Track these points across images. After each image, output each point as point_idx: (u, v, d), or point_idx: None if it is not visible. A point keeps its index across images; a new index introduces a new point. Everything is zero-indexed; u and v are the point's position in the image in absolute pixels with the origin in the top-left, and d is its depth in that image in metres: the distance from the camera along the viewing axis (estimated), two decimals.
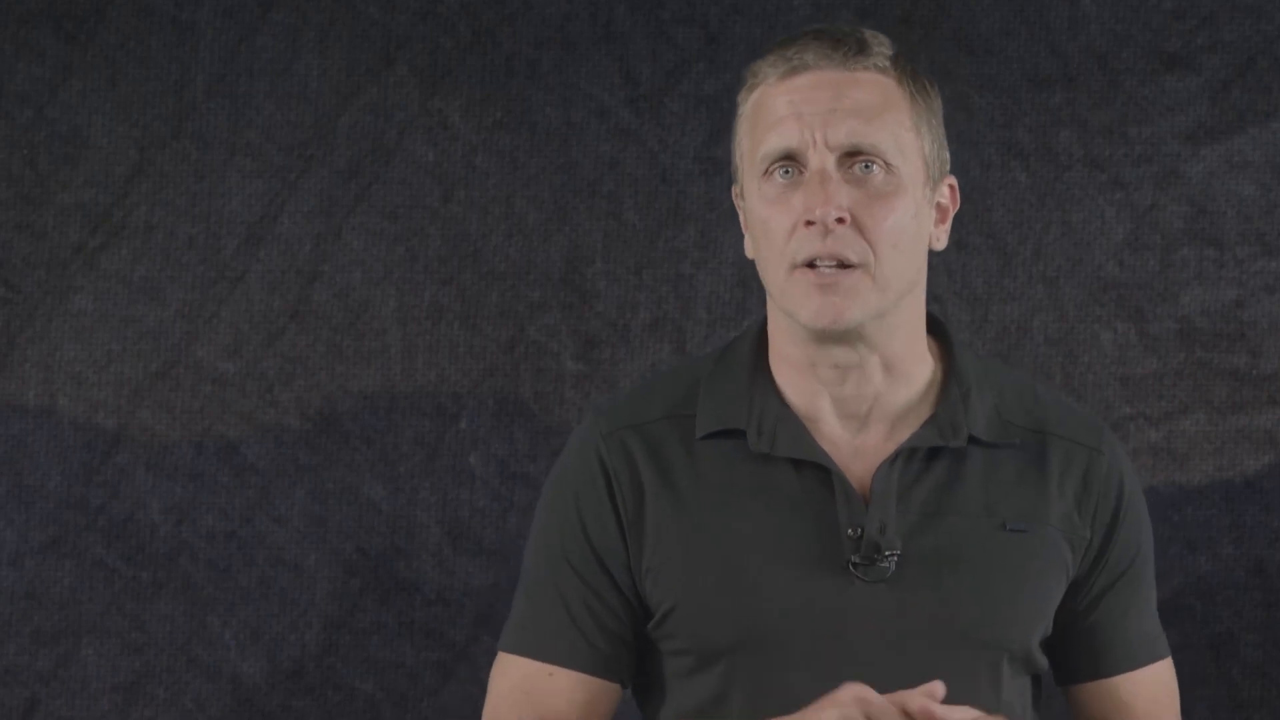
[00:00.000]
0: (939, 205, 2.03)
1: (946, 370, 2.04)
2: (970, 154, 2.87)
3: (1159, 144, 2.90)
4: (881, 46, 1.98)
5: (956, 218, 2.07)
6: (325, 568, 2.92)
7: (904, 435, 2.00)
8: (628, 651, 2.03)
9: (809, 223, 1.94)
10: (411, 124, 2.93)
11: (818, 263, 1.94)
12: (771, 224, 1.96)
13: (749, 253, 2.04)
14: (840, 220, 1.93)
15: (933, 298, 2.64)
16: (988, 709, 1.99)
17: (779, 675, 1.95)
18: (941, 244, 2.04)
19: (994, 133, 2.90)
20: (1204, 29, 2.89)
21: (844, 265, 1.94)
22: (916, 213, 1.98)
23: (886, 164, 1.95)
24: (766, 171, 1.97)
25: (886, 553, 1.96)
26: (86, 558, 2.92)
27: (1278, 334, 2.89)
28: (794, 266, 1.95)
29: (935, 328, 2.07)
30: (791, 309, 1.96)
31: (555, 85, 2.92)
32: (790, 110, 1.96)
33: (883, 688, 1.95)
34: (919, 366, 2.03)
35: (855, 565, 1.96)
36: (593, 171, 2.92)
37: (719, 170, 2.90)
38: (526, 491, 2.86)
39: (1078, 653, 2.07)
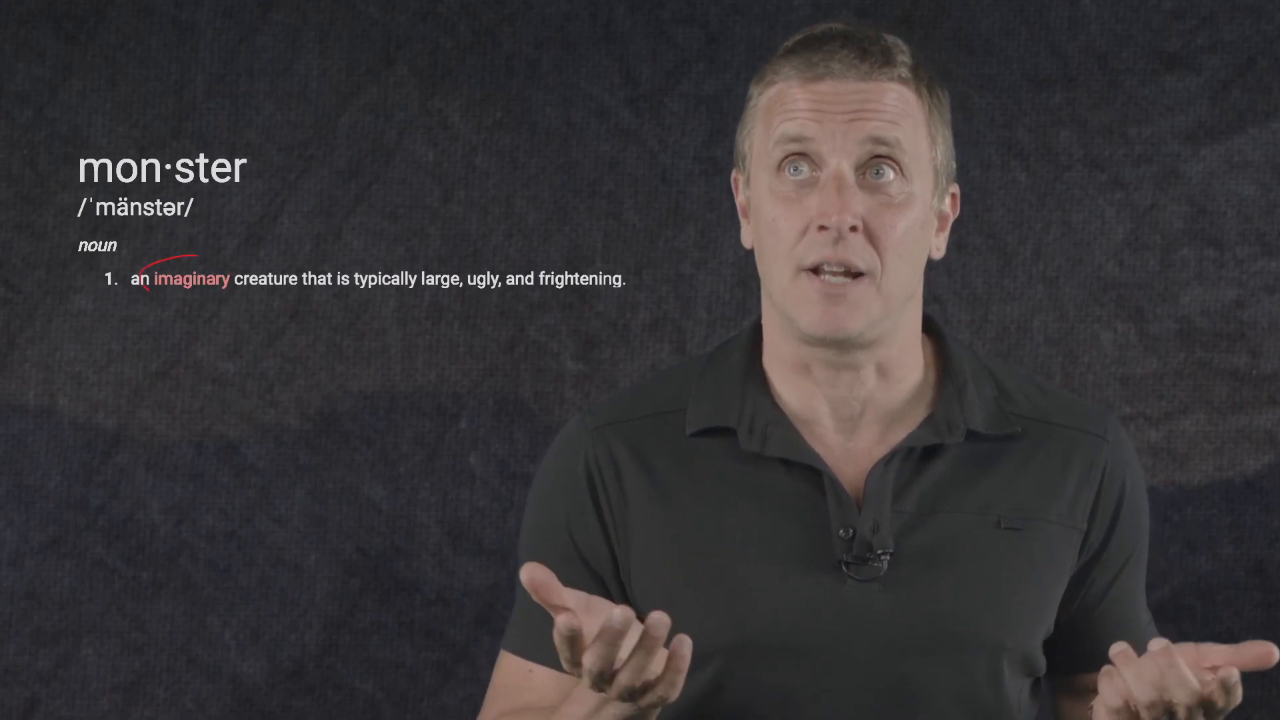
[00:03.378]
0: (940, 213, 2.03)
1: (940, 370, 2.04)
2: (970, 154, 2.87)
3: (1159, 144, 2.90)
4: (903, 55, 1.98)
5: (956, 218, 2.07)
6: (325, 568, 2.92)
7: (898, 436, 2.00)
8: None
9: (822, 228, 1.94)
10: (411, 124, 2.93)
11: (824, 269, 1.94)
12: (780, 223, 1.96)
13: (746, 242, 2.04)
14: (854, 229, 1.93)
15: (933, 298, 2.65)
16: (989, 712, 1.99)
17: (771, 675, 1.95)
18: (940, 253, 2.04)
19: (994, 133, 2.90)
20: (1204, 29, 2.89)
21: (851, 274, 1.94)
22: (924, 223, 1.98)
23: (901, 174, 1.95)
24: (779, 166, 1.96)
25: (879, 552, 1.96)
26: (86, 558, 2.92)
27: (1278, 334, 2.89)
28: (800, 270, 1.95)
29: (928, 327, 2.07)
30: (792, 314, 1.96)
31: (555, 85, 2.92)
32: (812, 106, 1.95)
33: (877, 688, 1.95)
34: (911, 369, 2.03)
35: (847, 565, 1.95)
36: (593, 171, 2.92)
37: (719, 170, 2.90)
38: (526, 491, 2.86)
39: (1086, 642, 2.07)
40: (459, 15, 2.93)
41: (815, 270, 1.94)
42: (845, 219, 1.93)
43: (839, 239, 1.93)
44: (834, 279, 1.94)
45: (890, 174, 1.95)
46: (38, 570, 2.92)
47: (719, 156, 2.90)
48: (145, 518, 2.92)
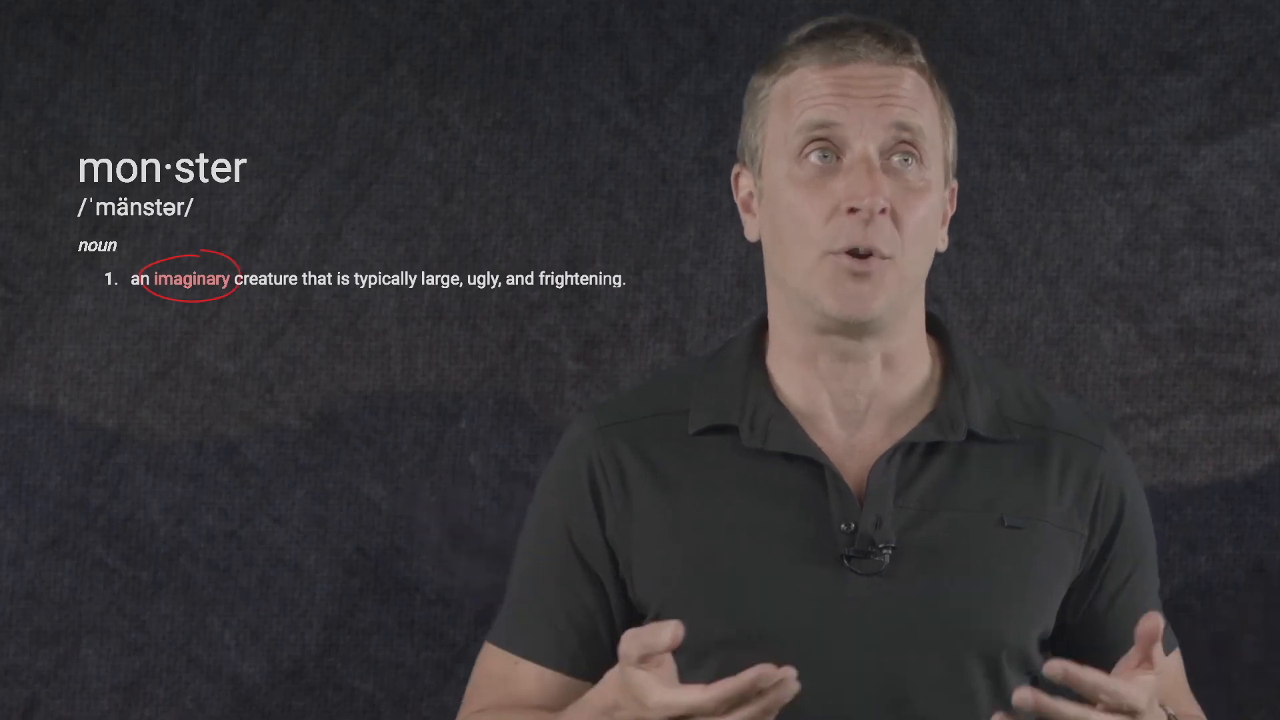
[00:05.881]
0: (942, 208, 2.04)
1: (945, 367, 2.04)
2: (970, 154, 2.87)
3: (1159, 144, 2.90)
4: (916, 44, 1.99)
5: (956, 217, 2.07)
6: (325, 568, 2.92)
7: (902, 432, 2.00)
8: (602, 649, 2.03)
9: (852, 210, 1.94)
10: (411, 124, 2.93)
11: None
12: (803, 208, 1.95)
13: (751, 235, 2.04)
14: (883, 210, 1.94)
15: (933, 298, 2.64)
16: (987, 707, 1.99)
17: None
18: (944, 245, 2.05)
19: (994, 133, 2.90)
20: (1204, 29, 2.89)
21: (877, 255, 1.94)
22: (937, 211, 1.99)
23: (921, 160, 1.96)
24: (801, 152, 1.96)
25: (881, 547, 1.96)
26: (86, 558, 2.92)
27: (1278, 334, 2.89)
28: (826, 253, 1.95)
29: (934, 326, 2.07)
30: (816, 295, 1.95)
31: (555, 85, 2.92)
32: (837, 90, 1.95)
33: (877, 682, 1.95)
34: (917, 364, 2.03)
35: (849, 559, 1.96)
36: (593, 171, 2.92)
37: (719, 170, 2.90)
38: (526, 491, 2.86)
39: (1096, 651, 2.07)
40: (459, 15, 2.93)
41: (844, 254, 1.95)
42: (877, 200, 1.93)
43: (869, 221, 1.93)
44: (858, 260, 1.94)
45: (911, 160, 1.95)
46: (38, 570, 2.91)
47: (719, 156, 2.90)
48: (145, 518, 2.91)
